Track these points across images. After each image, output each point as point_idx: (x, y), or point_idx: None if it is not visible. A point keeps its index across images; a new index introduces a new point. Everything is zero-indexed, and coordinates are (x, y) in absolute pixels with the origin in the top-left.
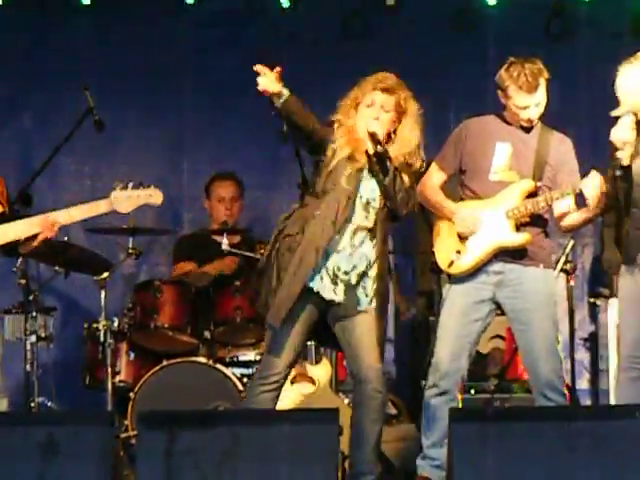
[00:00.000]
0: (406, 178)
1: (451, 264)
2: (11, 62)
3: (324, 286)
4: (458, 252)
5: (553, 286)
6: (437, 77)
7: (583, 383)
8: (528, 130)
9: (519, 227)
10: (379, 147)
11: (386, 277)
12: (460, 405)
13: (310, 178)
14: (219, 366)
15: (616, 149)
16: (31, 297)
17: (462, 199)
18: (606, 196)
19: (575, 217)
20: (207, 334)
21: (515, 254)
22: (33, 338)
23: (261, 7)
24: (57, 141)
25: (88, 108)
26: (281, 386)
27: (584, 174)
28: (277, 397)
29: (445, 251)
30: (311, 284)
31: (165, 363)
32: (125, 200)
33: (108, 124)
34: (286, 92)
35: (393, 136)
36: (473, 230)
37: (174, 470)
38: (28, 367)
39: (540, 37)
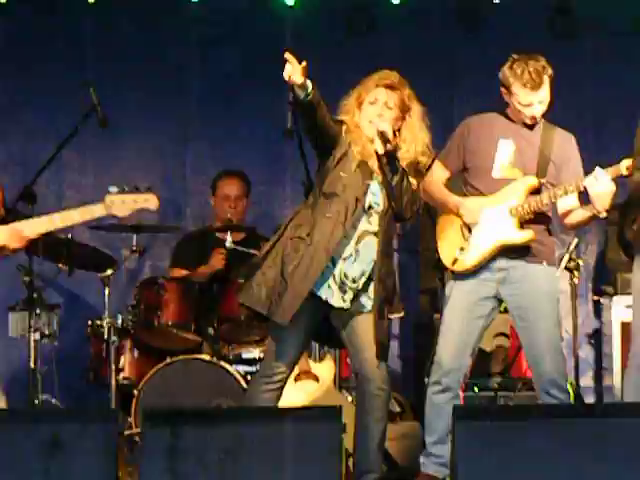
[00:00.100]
0: (413, 180)
1: (455, 261)
2: (15, 59)
3: (332, 294)
4: (462, 249)
5: (556, 283)
6: (441, 75)
7: (587, 380)
8: (531, 127)
9: (522, 224)
10: (389, 145)
11: (389, 278)
12: (462, 402)
13: (315, 175)
14: (223, 363)
15: None
16: (35, 294)
17: (465, 197)
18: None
19: (579, 214)
20: (211, 331)
21: (518, 251)
22: (37, 335)
23: (265, 4)
24: (61, 138)
25: (92, 104)
26: (284, 385)
27: (587, 172)
28: (279, 396)
29: (449, 248)
30: (319, 293)
31: (169, 360)
32: (121, 204)
33: (111, 120)
34: (310, 84)
35: (397, 135)
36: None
37: (178, 467)
38: (32, 364)
39: (544, 35)
